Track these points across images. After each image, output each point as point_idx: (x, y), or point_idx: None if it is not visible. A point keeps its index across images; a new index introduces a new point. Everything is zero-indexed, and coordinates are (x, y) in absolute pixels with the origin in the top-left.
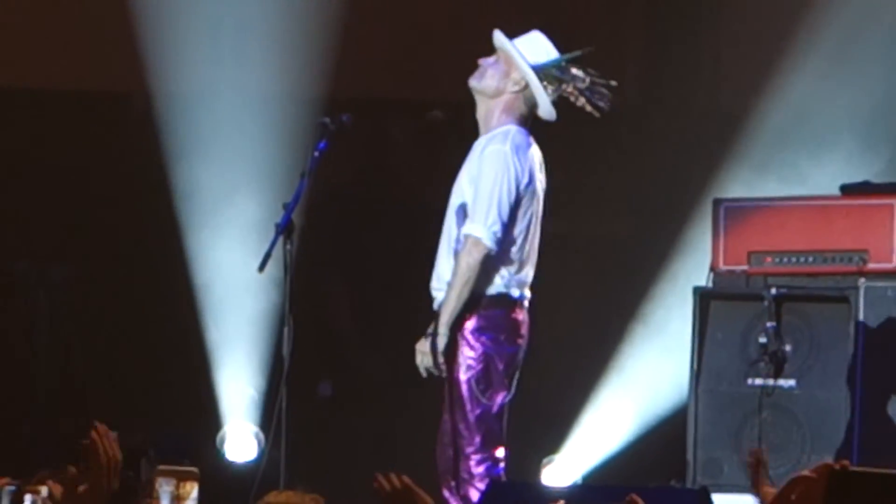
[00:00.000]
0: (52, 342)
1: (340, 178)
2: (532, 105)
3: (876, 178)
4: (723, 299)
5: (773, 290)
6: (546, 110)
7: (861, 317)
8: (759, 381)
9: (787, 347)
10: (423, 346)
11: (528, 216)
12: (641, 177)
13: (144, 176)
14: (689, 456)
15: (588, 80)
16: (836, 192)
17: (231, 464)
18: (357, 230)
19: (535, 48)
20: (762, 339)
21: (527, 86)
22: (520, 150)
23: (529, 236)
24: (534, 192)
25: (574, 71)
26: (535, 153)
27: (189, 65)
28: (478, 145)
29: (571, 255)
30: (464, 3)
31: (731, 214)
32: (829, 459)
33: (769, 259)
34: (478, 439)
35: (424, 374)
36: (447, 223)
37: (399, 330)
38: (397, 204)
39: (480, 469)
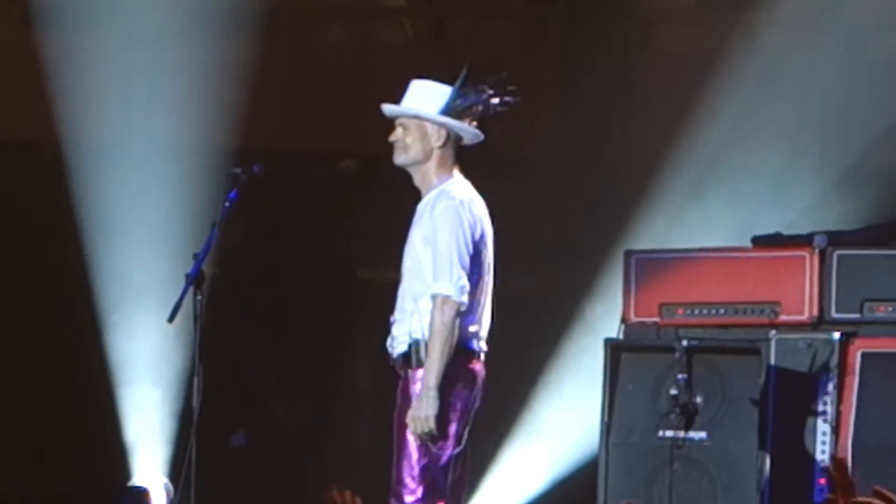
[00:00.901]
0: None
1: (253, 227)
2: (457, 149)
3: (787, 230)
4: (634, 351)
5: (685, 342)
6: (475, 136)
7: (772, 369)
8: (670, 433)
9: (698, 399)
10: (415, 413)
11: (482, 266)
12: (554, 227)
13: (53, 226)
14: None
15: (486, 89)
16: (748, 243)
17: None
18: (270, 279)
19: (427, 97)
20: (673, 391)
21: (448, 134)
22: (469, 202)
23: (484, 286)
24: (485, 242)
25: (473, 92)
26: (480, 200)
27: (99, 114)
28: (425, 205)
29: None
30: (375, 55)
31: (643, 266)
32: None
33: (680, 311)
34: (420, 490)
35: (428, 441)
36: (403, 283)
37: (313, 378)
38: (309, 253)
39: None
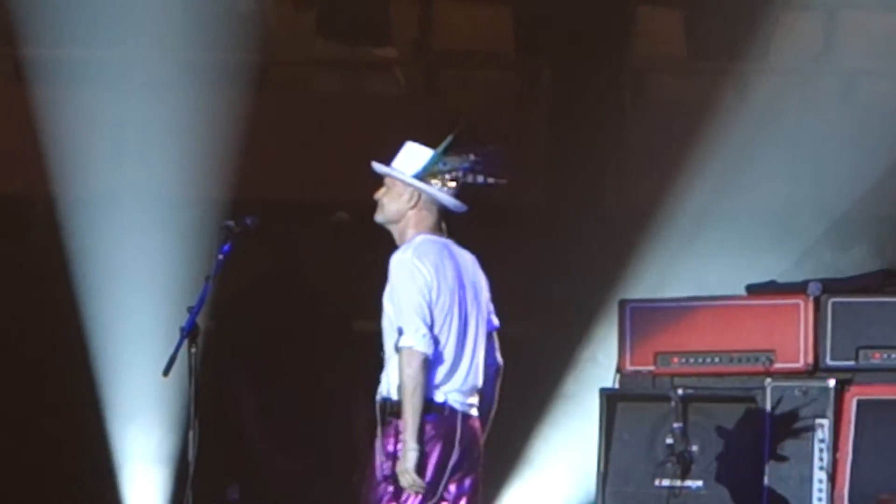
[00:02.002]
0: None
1: (247, 278)
2: (439, 209)
3: (781, 278)
4: (629, 400)
5: (680, 391)
6: (451, 204)
7: (768, 417)
8: (666, 482)
9: (694, 448)
10: (399, 468)
11: (451, 320)
12: (548, 277)
13: (47, 281)
14: None
15: (471, 157)
16: (743, 292)
17: None
18: (265, 330)
19: (411, 159)
20: (669, 440)
21: (420, 196)
22: (423, 255)
23: (457, 340)
24: (452, 295)
25: (455, 158)
26: (458, 255)
27: (92, 168)
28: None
29: None
30: (369, 108)
31: (638, 315)
32: None
33: (676, 360)
34: None
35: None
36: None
37: (307, 430)
38: (304, 304)
39: None
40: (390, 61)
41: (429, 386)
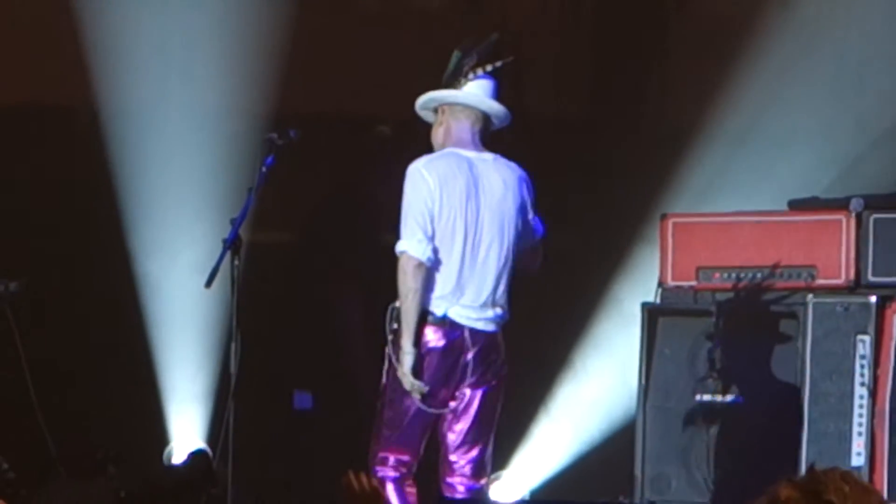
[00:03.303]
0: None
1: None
2: (473, 123)
3: (824, 195)
4: (671, 315)
5: (722, 306)
6: (475, 102)
7: (809, 332)
8: (707, 397)
9: (735, 363)
10: (398, 372)
11: (456, 234)
12: (590, 192)
13: (90, 191)
14: (637, 472)
15: (475, 55)
16: (785, 207)
17: None
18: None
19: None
20: (710, 356)
21: (446, 111)
22: (432, 166)
23: (470, 256)
24: (460, 209)
25: (465, 59)
26: (485, 170)
27: (135, 80)
28: None
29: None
30: (411, 22)
31: (680, 230)
32: (777, 475)
33: (717, 275)
34: (380, 438)
35: (419, 396)
36: None
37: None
38: (348, 216)
39: (375, 468)
40: None
41: (429, 297)
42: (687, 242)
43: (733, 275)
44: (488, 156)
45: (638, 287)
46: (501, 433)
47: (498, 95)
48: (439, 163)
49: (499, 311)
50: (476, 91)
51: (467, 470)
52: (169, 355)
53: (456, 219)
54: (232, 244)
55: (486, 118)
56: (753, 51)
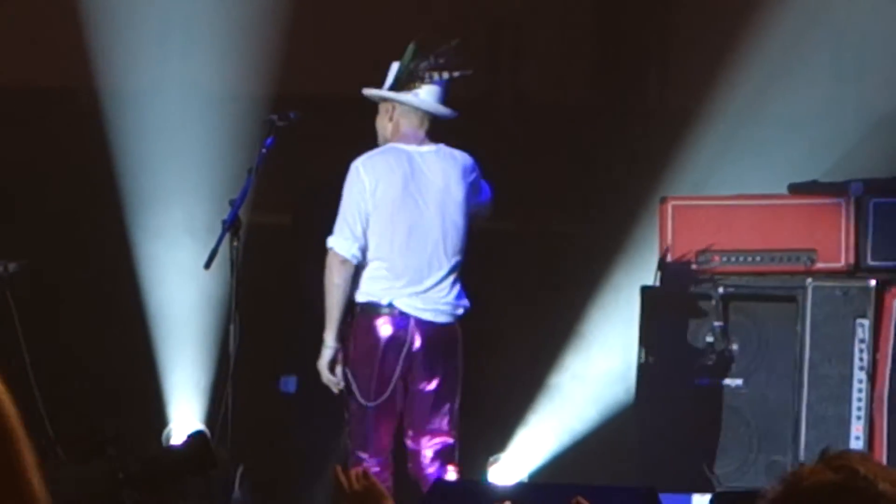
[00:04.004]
0: None
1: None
2: (421, 117)
3: (823, 178)
4: (670, 298)
5: (721, 289)
6: (426, 107)
7: (808, 316)
8: (706, 381)
9: (735, 346)
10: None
11: (395, 227)
12: (590, 175)
13: (89, 172)
14: (636, 455)
15: (432, 56)
16: (785, 191)
17: None
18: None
19: (389, 76)
20: (709, 339)
21: (394, 108)
22: (370, 164)
23: (411, 248)
24: (400, 203)
25: (419, 61)
26: (426, 162)
27: (135, 61)
28: None
29: (520, 253)
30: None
31: (680, 213)
32: (776, 458)
33: (717, 258)
34: (351, 438)
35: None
36: None
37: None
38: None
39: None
40: None
41: (375, 288)
42: (687, 226)
43: (733, 258)
44: (431, 147)
45: (637, 270)
46: (500, 415)
47: (447, 99)
48: (378, 160)
49: (450, 301)
50: (429, 98)
51: (428, 458)
52: (167, 337)
53: (395, 212)
54: (231, 225)
55: (434, 116)
56: (754, 34)
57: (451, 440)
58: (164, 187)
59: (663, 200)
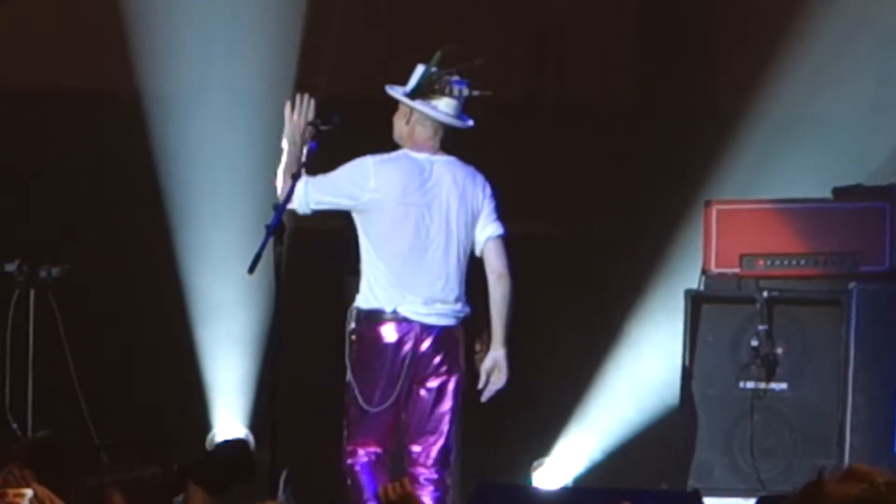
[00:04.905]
0: (41, 343)
1: None
2: (436, 126)
3: (868, 182)
4: (714, 302)
5: (765, 293)
6: (443, 118)
7: (853, 320)
8: (750, 385)
9: (779, 350)
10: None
11: (402, 233)
12: (634, 178)
13: (133, 175)
14: (681, 459)
15: (454, 72)
16: (829, 195)
17: None
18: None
19: (411, 79)
20: (754, 342)
21: (411, 113)
22: (381, 166)
23: (416, 255)
24: (405, 209)
25: (441, 74)
26: (435, 172)
27: (178, 63)
28: None
29: (563, 258)
30: (453, 7)
31: (724, 217)
32: (820, 462)
33: (761, 262)
34: (347, 434)
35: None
36: None
37: None
38: None
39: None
40: None
41: (379, 295)
42: (731, 229)
43: (777, 262)
44: (442, 157)
45: (682, 274)
46: (545, 419)
47: (463, 111)
48: (389, 165)
49: (454, 305)
50: (449, 111)
51: (427, 460)
52: (212, 342)
53: (400, 219)
54: (275, 230)
55: (448, 127)
56: (798, 37)
57: (450, 441)
58: (207, 191)
59: (708, 204)
